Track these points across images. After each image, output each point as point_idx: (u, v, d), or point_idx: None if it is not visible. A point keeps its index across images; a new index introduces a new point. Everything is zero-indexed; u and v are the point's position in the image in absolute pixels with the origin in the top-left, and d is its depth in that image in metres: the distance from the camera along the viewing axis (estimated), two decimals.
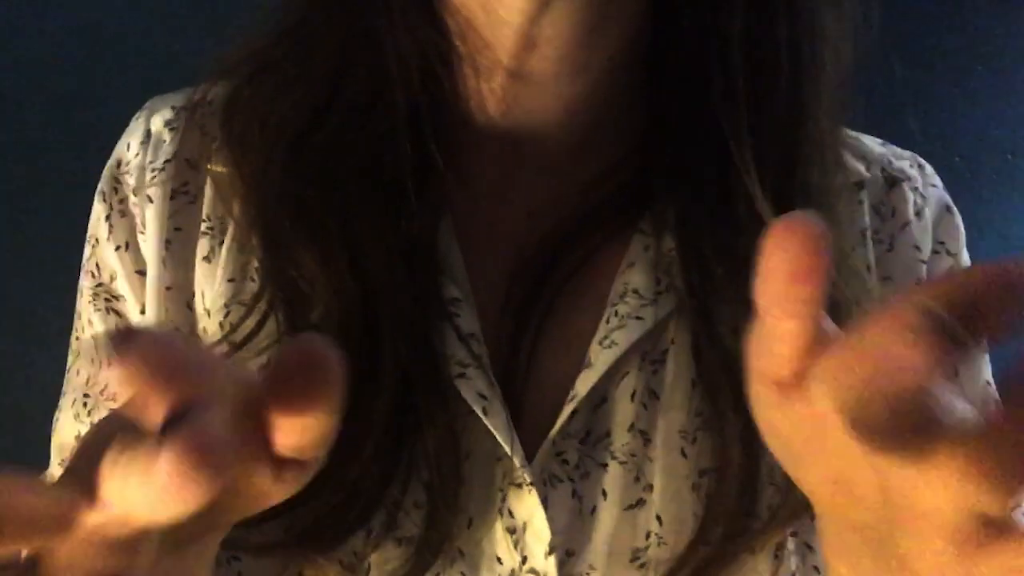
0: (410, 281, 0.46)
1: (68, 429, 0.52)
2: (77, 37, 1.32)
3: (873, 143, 0.58)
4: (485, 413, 0.45)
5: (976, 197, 1.44)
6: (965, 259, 0.58)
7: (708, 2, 0.47)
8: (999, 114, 1.44)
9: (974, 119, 1.44)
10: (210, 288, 0.48)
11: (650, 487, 0.47)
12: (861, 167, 0.55)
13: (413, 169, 0.47)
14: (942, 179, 0.60)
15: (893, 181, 0.56)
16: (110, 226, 0.51)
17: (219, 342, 0.45)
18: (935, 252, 0.55)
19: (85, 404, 0.50)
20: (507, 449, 0.46)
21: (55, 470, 0.53)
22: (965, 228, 0.59)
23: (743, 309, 0.42)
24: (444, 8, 0.47)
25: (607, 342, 0.48)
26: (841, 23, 0.51)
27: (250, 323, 0.45)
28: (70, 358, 0.53)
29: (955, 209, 0.58)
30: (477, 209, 0.51)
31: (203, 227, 0.49)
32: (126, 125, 0.53)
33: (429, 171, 0.48)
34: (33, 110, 1.35)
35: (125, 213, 0.51)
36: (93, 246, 0.53)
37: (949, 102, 1.43)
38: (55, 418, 0.53)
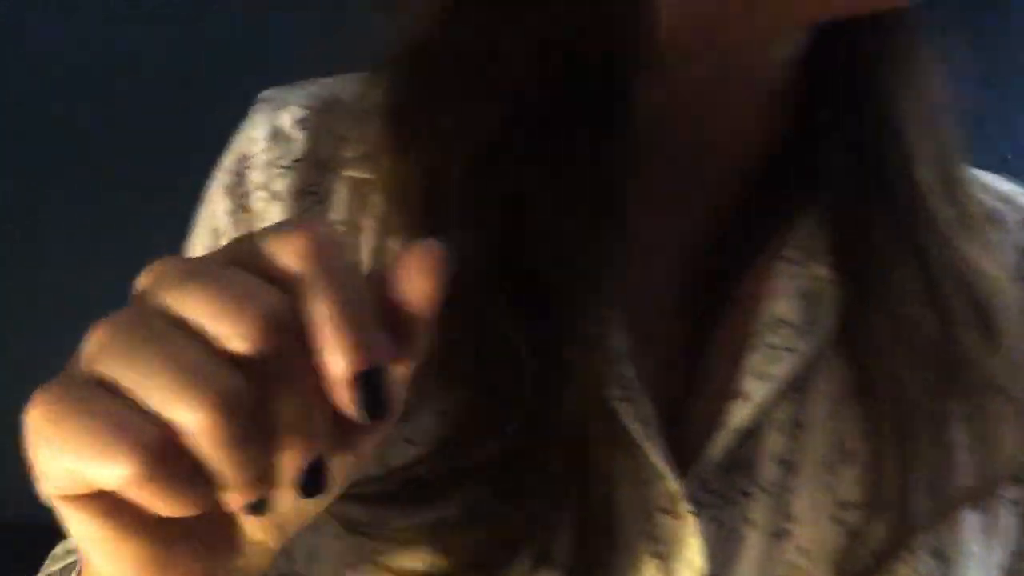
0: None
1: None
2: (81, 34, 1.33)
3: (997, 180, 0.60)
4: (646, 438, 0.45)
5: None
6: None
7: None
8: (999, 114, 1.44)
9: (974, 119, 1.44)
10: None
11: (793, 517, 0.47)
12: (998, 204, 0.56)
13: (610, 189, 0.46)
14: None
15: None
16: (234, 221, 0.50)
17: None
18: None
19: None
20: (664, 475, 0.46)
21: None
22: None
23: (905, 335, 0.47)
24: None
25: (763, 374, 0.48)
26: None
27: None
28: None
29: None
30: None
31: None
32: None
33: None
34: (33, 111, 1.35)
35: (248, 209, 0.49)
36: (215, 237, 0.51)
37: (949, 102, 1.43)
38: None
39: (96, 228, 1.29)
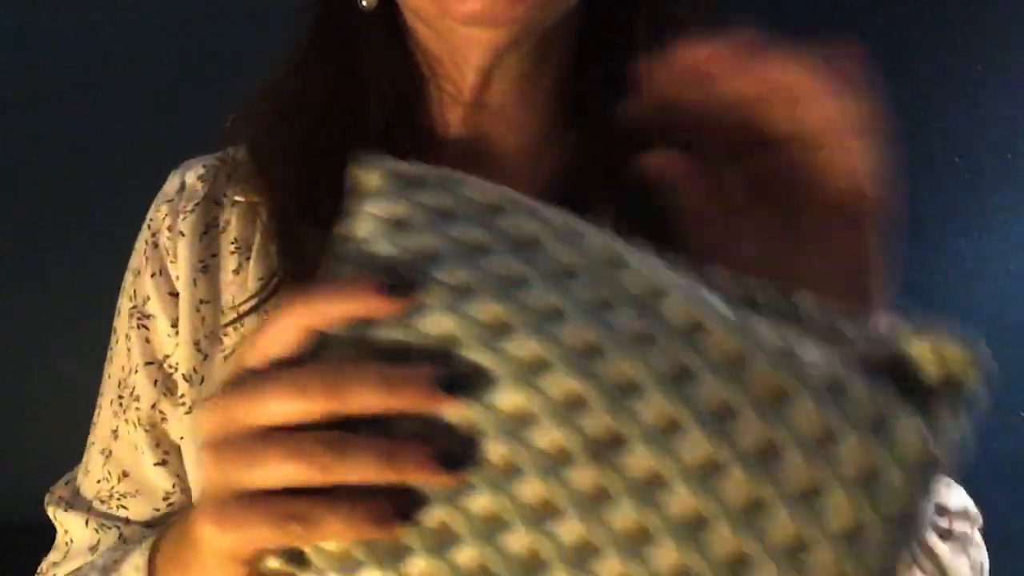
0: None
1: (107, 422, 0.61)
2: (83, 42, 1.33)
3: None
4: None
5: (976, 197, 1.44)
6: None
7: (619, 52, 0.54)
8: (999, 114, 1.44)
9: (974, 119, 1.44)
10: (241, 292, 0.58)
11: None
12: None
13: None
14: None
15: None
16: (146, 259, 0.61)
17: (247, 303, 0.56)
18: None
19: (121, 403, 0.60)
20: None
21: (94, 459, 0.60)
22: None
23: None
24: (417, 50, 0.56)
25: None
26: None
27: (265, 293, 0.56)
28: (107, 364, 0.64)
29: None
30: None
31: (231, 248, 0.59)
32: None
33: None
34: (34, 117, 1.35)
35: (158, 246, 0.61)
36: (135, 275, 0.62)
37: (949, 102, 1.43)
38: (95, 413, 0.62)
39: (95, 228, 1.29)
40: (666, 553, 0.33)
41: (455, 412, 0.34)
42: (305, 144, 0.58)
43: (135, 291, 0.61)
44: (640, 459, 0.33)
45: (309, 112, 0.58)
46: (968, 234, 1.42)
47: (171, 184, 0.63)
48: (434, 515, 0.34)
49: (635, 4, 0.56)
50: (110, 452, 0.60)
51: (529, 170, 0.58)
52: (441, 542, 0.34)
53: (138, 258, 0.63)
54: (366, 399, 0.34)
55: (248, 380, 0.35)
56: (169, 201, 0.62)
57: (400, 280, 0.35)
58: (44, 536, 0.60)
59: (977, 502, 0.63)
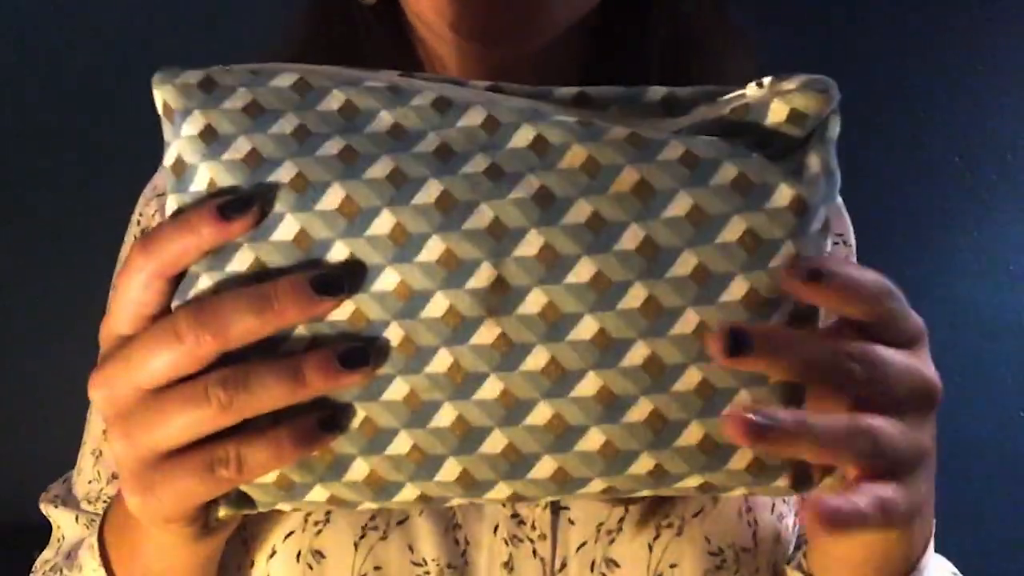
0: None
1: (98, 422, 0.57)
2: (84, 38, 1.33)
3: None
4: None
5: (976, 197, 1.44)
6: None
7: (632, 45, 0.52)
8: (999, 114, 1.44)
9: (974, 119, 1.44)
10: None
11: None
12: None
13: None
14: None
15: None
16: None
17: None
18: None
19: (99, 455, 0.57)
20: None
21: (86, 458, 0.58)
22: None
23: None
24: (421, 47, 0.53)
25: None
26: None
27: None
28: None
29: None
30: None
31: None
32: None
33: None
34: (34, 115, 1.36)
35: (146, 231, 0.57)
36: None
37: (949, 102, 1.43)
38: (88, 411, 0.59)
39: (96, 228, 1.29)
40: (589, 381, 0.32)
41: (342, 311, 0.32)
42: None
43: None
44: (534, 297, 0.32)
45: None
46: (968, 234, 1.42)
47: (160, 177, 0.60)
48: (359, 416, 0.33)
49: (648, 4, 0.54)
50: (100, 452, 0.59)
51: None
52: (374, 440, 0.33)
53: (126, 253, 0.61)
54: (246, 325, 0.32)
55: (125, 343, 0.33)
56: (159, 196, 0.59)
57: (234, 198, 0.33)
58: (44, 536, 0.60)
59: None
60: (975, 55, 1.43)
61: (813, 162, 0.33)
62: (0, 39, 1.34)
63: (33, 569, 0.59)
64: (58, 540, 0.60)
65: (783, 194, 0.32)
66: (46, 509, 0.61)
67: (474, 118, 0.34)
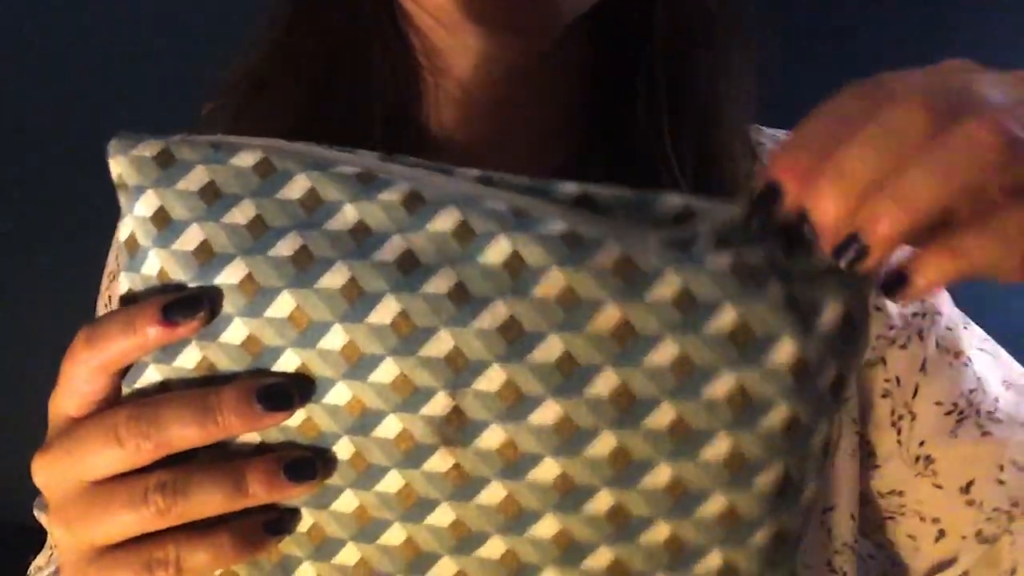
0: None
1: None
2: (79, 40, 1.33)
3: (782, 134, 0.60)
4: None
5: None
6: None
7: (634, 40, 0.51)
8: None
9: None
10: None
11: None
12: (767, 142, 0.57)
13: None
14: None
15: None
16: (119, 262, 0.57)
17: None
18: None
19: None
20: None
21: None
22: None
23: None
24: (413, 32, 0.51)
25: None
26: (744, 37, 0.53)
27: None
28: None
29: None
30: None
31: None
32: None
33: None
34: (33, 116, 1.36)
35: None
36: (110, 279, 0.59)
37: None
38: None
39: (96, 227, 1.29)
40: (547, 523, 0.30)
41: (294, 419, 0.31)
42: (296, 135, 0.54)
43: (110, 296, 0.59)
44: (492, 434, 0.30)
45: (299, 104, 0.53)
46: None
47: None
48: (308, 521, 0.32)
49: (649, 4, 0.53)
50: None
51: (524, 169, 0.56)
52: (321, 547, 0.32)
53: (112, 261, 0.60)
54: (187, 435, 0.31)
55: (70, 430, 0.33)
56: None
57: (181, 298, 0.32)
58: (44, 536, 0.60)
59: None
60: (975, 55, 1.43)
61: (831, 312, 0.29)
62: (0, 39, 1.34)
63: (28, 574, 0.59)
64: (51, 547, 0.59)
65: (783, 350, 0.29)
66: (39, 515, 0.61)
67: (446, 222, 0.31)
